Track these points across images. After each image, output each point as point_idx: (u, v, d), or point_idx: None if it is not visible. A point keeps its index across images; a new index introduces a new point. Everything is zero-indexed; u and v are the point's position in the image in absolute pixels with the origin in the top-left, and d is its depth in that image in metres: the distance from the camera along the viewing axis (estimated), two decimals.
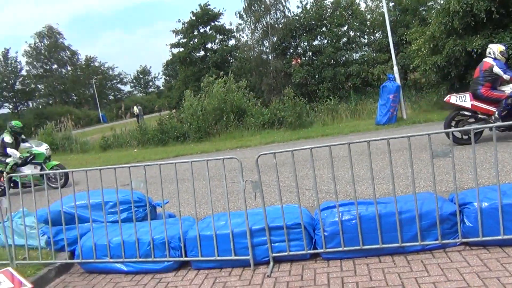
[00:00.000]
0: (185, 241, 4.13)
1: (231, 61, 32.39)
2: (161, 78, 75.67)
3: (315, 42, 24.38)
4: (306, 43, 24.49)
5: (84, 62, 66.36)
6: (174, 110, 24.11)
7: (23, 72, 56.30)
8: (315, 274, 3.69)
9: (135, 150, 17.07)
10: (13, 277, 4.08)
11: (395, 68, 13.80)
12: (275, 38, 24.35)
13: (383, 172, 7.02)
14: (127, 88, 76.25)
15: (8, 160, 10.38)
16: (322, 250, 3.86)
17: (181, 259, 4.13)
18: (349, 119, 16.83)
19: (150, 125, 18.84)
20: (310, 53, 24.64)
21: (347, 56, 23.55)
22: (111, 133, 19.41)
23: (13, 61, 54.77)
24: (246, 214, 3.89)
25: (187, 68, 31.59)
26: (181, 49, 32.52)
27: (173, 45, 32.74)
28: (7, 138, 10.39)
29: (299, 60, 25.29)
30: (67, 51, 62.87)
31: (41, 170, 10.21)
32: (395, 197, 3.73)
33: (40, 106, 57.35)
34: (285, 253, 3.90)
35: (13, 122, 10.70)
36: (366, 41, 24.38)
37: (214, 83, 18.38)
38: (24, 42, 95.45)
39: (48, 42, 60.57)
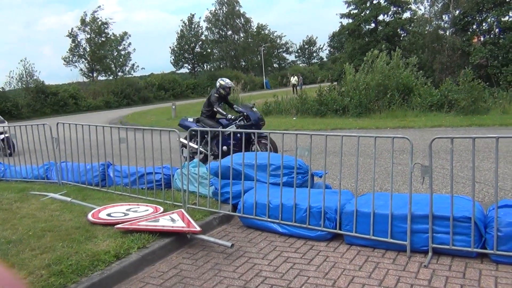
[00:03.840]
0: (341, 214, 4.13)
1: (402, 35, 30.54)
2: (325, 49, 75.68)
3: (505, 18, 21.39)
4: (494, 19, 21.66)
5: (255, 30, 69.85)
6: (335, 83, 23.82)
7: (203, 37, 61.81)
8: (480, 275, 3.36)
9: (294, 118, 17.49)
10: (185, 218, 4.63)
11: None
12: (457, 12, 22.06)
13: None
14: (291, 57, 78.15)
15: None
16: (492, 251, 3.48)
17: (335, 231, 4.15)
18: None
19: (309, 96, 19.03)
20: (497, 31, 21.77)
21: None
22: (273, 99, 20.11)
23: (195, 26, 60.47)
24: (410, 197, 3.69)
25: (354, 40, 30.82)
26: (351, 20, 31.75)
27: (343, 15, 32.14)
28: None
29: (481, 38, 22.60)
30: (242, 19, 66.75)
31: None
32: None
33: (213, 69, 62.52)
34: (448, 246, 3.62)
35: None
36: None
37: (378, 58, 17.61)
38: (206, 8, 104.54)
39: (226, 10, 65.11)
